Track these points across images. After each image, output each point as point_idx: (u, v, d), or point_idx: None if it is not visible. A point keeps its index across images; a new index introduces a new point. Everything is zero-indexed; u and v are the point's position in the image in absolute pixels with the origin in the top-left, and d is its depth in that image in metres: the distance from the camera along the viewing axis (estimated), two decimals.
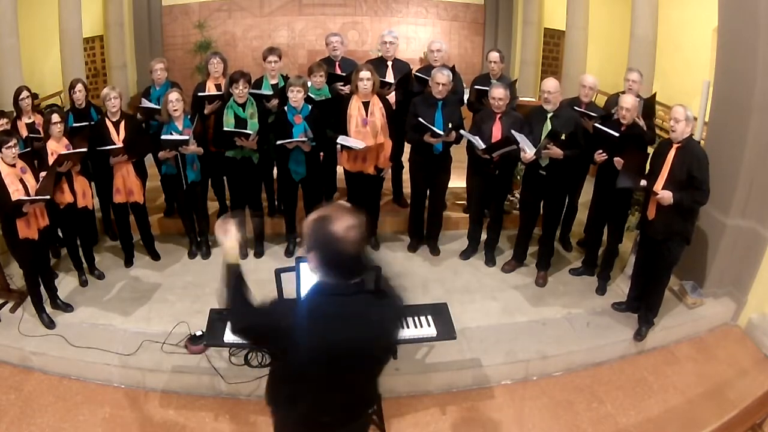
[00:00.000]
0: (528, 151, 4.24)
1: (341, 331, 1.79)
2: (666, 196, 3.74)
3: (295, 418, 2.02)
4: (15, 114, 4.62)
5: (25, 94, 4.56)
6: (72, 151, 4.12)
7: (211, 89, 4.98)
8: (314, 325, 1.79)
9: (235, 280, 1.99)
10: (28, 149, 4.30)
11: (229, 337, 3.33)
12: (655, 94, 4.98)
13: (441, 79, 4.51)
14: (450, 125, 4.53)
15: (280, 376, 2.06)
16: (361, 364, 1.92)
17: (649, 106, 4.61)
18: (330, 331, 1.79)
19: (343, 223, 1.73)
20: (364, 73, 4.48)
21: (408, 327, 3.30)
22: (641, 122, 4.35)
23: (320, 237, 1.75)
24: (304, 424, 2.01)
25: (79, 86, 4.79)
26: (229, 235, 2.07)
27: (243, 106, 4.56)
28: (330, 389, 1.91)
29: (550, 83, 4.32)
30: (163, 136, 4.45)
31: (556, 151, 4.24)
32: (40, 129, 4.39)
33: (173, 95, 4.46)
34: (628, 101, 4.20)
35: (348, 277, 1.82)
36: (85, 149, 4.17)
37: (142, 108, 4.97)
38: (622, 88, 4.74)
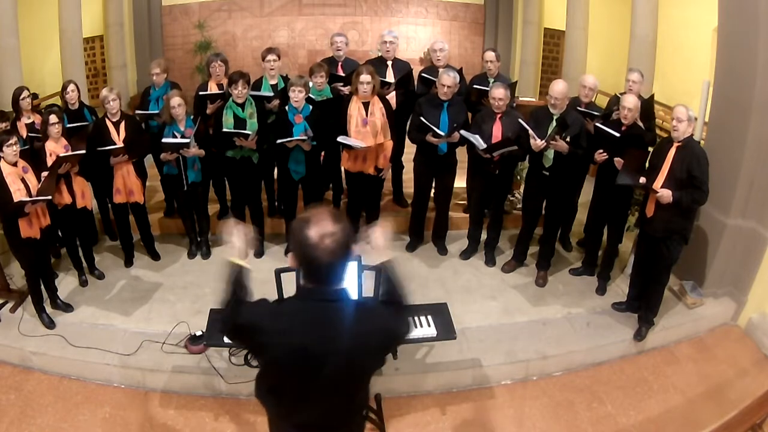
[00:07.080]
0: (538, 139, 4.23)
1: (308, 337, 1.74)
2: (666, 194, 3.75)
3: (276, 416, 2.02)
4: (14, 114, 4.60)
5: (25, 93, 4.56)
6: (70, 153, 4.11)
7: (213, 90, 4.98)
8: (284, 327, 1.76)
9: (233, 280, 1.99)
10: (27, 147, 4.30)
11: None
12: (653, 95, 4.94)
13: (447, 81, 4.48)
14: (455, 126, 4.52)
15: (261, 373, 2.04)
16: (333, 374, 1.79)
17: (647, 108, 4.56)
18: (297, 335, 1.75)
19: (320, 229, 1.68)
20: (365, 77, 4.46)
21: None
22: (641, 124, 4.34)
23: (297, 239, 1.70)
24: (282, 424, 2.00)
25: (71, 87, 4.78)
26: (234, 233, 2.08)
27: (242, 106, 4.56)
28: (301, 394, 1.85)
29: (558, 88, 4.25)
30: (165, 139, 4.44)
31: (562, 144, 4.23)
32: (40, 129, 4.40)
33: (175, 100, 4.43)
34: (630, 101, 4.19)
35: (324, 283, 1.76)
36: (83, 151, 4.16)
37: (140, 114, 4.96)
38: (623, 88, 4.74)
